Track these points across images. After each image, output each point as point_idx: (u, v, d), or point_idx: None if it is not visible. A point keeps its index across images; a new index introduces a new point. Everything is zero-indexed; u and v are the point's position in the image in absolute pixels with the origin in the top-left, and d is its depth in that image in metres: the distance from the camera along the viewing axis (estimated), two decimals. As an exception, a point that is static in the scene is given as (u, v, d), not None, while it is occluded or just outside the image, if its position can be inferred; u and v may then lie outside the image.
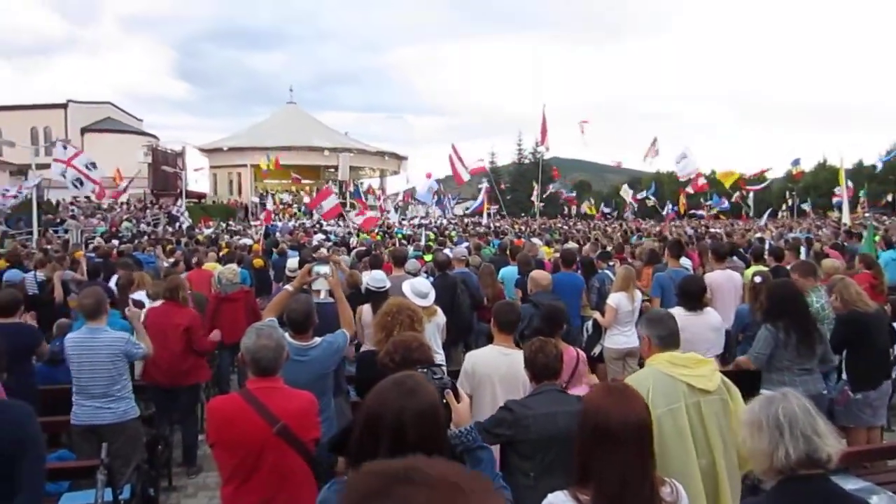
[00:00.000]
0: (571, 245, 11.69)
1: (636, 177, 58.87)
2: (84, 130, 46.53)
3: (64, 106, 47.53)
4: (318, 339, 3.97)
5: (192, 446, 6.02)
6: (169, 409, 5.85)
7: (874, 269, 7.67)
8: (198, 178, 42.44)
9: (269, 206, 29.57)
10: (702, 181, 24.96)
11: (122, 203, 31.76)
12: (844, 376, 5.05)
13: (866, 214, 34.16)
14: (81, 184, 15.44)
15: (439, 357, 5.32)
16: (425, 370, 2.27)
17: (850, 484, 3.47)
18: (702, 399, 2.85)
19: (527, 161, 49.33)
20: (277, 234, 21.19)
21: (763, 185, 35.33)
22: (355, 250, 12.91)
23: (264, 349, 2.93)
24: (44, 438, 2.89)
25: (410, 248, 12.59)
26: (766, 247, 10.79)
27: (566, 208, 47.60)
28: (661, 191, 40.87)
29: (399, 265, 7.54)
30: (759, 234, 17.99)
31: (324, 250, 11.75)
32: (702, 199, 36.32)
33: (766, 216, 28.39)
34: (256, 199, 41.13)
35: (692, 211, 37.33)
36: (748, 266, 8.40)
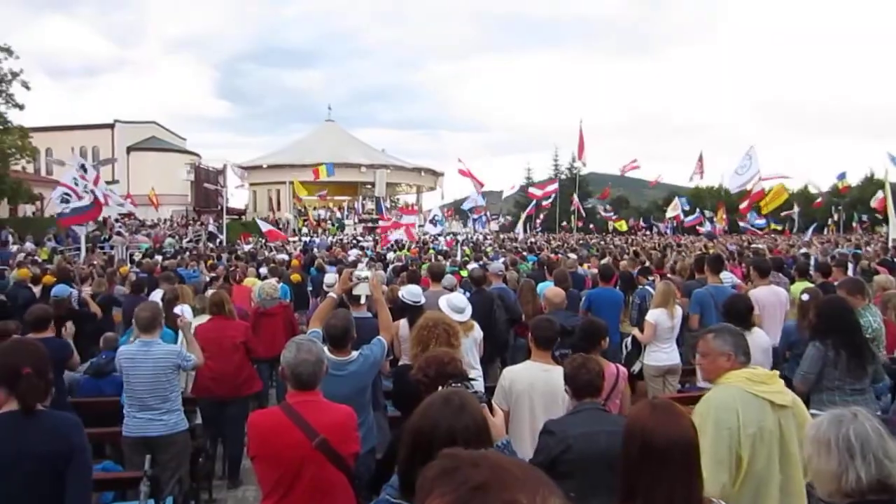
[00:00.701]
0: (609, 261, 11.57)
1: (674, 192, 58.04)
2: (129, 149, 47.90)
3: (111, 126, 49.06)
4: (355, 354, 3.99)
5: (237, 459, 6.04)
6: (217, 421, 5.92)
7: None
8: (235, 193, 43.21)
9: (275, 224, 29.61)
10: (766, 185, 23.29)
11: (165, 220, 32.56)
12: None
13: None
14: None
15: (476, 373, 5.30)
16: (458, 384, 2.28)
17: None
18: (780, 415, 2.81)
19: (563, 176, 49.22)
20: (315, 249, 21.44)
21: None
22: (392, 266, 12.96)
23: (304, 363, 2.95)
24: (90, 450, 2.95)
25: (446, 264, 12.59)
26: (812, 262, 10.51)
27: (605, 225, 47.19)
28: (697, 206, 40.07)
29: (436, 280, 7.54)
30: (803, 250, 17.55)
31: (363, 265, 11.83)
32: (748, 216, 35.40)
33: (810, 231, 27.69)
34: (293, 215, 41.75)
35: (744, 224, 36.20)
36: (792, 282, 8.19)
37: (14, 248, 16.12)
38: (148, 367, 4.63)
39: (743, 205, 25.10)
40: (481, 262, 12.12)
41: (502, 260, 12.64)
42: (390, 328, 4.48)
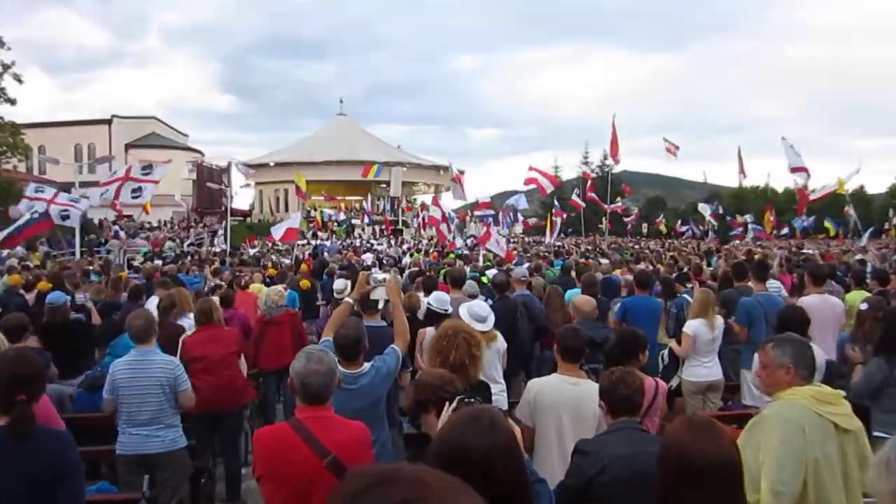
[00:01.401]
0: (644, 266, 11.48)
1: (715, 192, 57.52)
2: (128, 146, 48.54)
3: (108, 122, 49.82)
4: (367, 365, 3.93)
5: (236, 478, 6.03)
6: (211, 438, 5.94)
7: None
8: (240, 192, 43.49)
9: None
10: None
11: (165, 222, 32.86)
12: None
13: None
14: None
15: (499, 388, 5.26)
16: (471, 400, 2.30)
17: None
18: (844, 440, 2.76)
19: (594, 175, 48.92)
20: (325, 253, 21.45)
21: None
22: (408, 271, 12.96)
23: (315, 374, 2.92)
24: (83, 468, 2.97)
25: (467, 269, 12.55)
26: (868, 269, 10.35)
27: (634, 226, 46.75)
28: (736, 207, 39.61)
29: (457, 287, 7.48)
30: (859, 256, 17.28)
31: (377, 270, 11.85)
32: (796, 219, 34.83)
33: (866, 235, 27.12)
34: (301, 216, 41.84)
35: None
36: (847, 290, 8.06)
37: (4, 252, 16.34)
38: (145, 379, 4.58)
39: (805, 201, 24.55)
40: (504, 268, 12.08)
41: (526, 265, 12.58)
42: (406, 335, 4.41)
